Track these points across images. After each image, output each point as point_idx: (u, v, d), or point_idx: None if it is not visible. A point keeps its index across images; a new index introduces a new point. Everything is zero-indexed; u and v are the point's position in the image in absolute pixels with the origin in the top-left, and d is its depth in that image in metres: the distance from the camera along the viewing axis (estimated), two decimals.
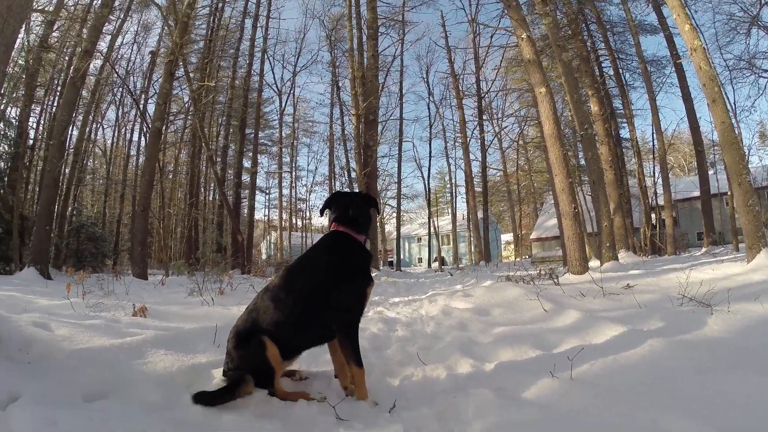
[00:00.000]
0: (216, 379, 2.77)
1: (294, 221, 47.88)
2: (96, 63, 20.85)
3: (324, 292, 2.74)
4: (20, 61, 17.34)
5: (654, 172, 26.09)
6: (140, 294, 8.17)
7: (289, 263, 3.33)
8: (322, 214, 3.22)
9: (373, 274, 3.01)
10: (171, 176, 32.48)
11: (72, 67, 15.32)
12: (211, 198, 35.98)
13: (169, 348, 3.24)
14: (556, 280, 7.89)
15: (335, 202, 3.08)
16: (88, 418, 1.96)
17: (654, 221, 24.73)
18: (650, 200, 24.86)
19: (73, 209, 23.15)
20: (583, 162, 27.66)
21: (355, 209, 3.00)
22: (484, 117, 33.21)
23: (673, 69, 21.79)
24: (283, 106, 32.61)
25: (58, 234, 18.58)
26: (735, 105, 20.10)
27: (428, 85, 36.22)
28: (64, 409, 2.00)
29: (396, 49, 28.67)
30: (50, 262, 13.87)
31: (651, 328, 3.80)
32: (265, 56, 29.60)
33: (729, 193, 18.61)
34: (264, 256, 45.47)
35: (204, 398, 2.33)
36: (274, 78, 38.47)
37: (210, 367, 2.99)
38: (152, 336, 3.46)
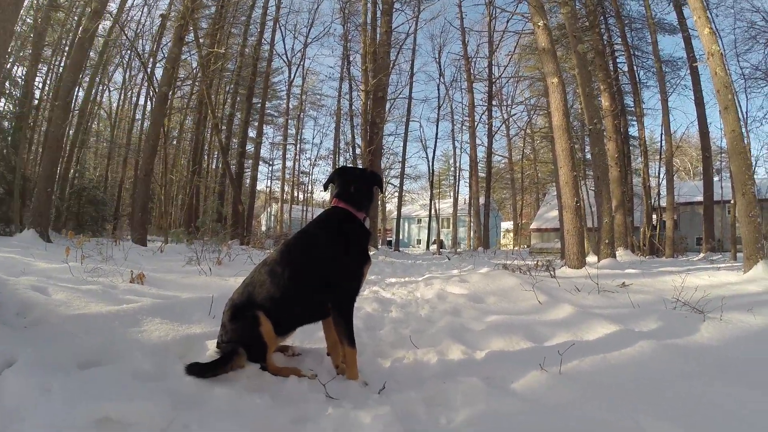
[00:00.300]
0: (210, 350, 2.79)
1: (296, 194, 47.98)
2: (105, 24, 20.68)
3: (320, 270, 2.75)
4: (28, 20, 17.17)
5: (659, 173, 26.11)
6: (138, 260, 8.19)
7: (288, 236, 3.32)
8: (325, 189, 3.19)
9: (371, 253, 3.02)
10: (175, 142, 32.39)
11: (81, 28, 15.15)
12: (214, 166, 35.98)
13: (165, 317, 3.27)
14: (552, 273, 7.91)
15: (339, 178, 3.05)
16: (81, 385, 1.97)
17: (655, 222, 24.76)
18: (653, 201, 24.90)
19: (75, 171, 23.04)
20: (589, 156, 27.64)
21: (357, 186, 2.98)
22: (494, 103, 33.17)
23: (689, 71, 21.81)
24: (292, 77, 32.35)
25: (59, 196, 18.55)
26: (747, 114, 20.14)
27: (440, 66, 35.84)
28: (58, 375, 2.03)
29: (410, 27, 28.34)
30: (50, 224, 13.89)
31: (643, 330, 3.83)
32: (277, 25, 29.32)
33: (732, 201, 18.63)
34: (264, 228, 45.65)
35: (196, 370, 2.35)
36: (284, 48, 38.50)
37: (204, 338, 3.01)
38: (148, 304, 3.48)
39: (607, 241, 11.53)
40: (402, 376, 2.82)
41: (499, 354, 3.18)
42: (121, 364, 2.37)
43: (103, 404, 1.80)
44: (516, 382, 2.61)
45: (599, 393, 2.41)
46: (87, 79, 22.81)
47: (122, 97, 33.82)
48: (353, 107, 28.70)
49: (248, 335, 2.59)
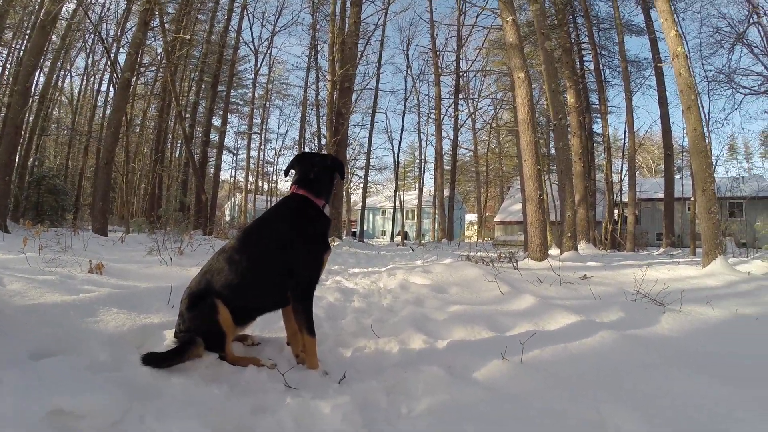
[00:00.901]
0: (167, 340, 2.72)
1: (260, 184, 47.41)
2: (68, 6, 20.02)
3: (278, 257, 2.70)
4: None
5: (621, 170, 26.76)
6: (98, 250, 8.00)
7: None
8: (286, 175, 3.10)
9: (335, 244, 2.97)
10: (138, 130, 31.58)
11: (43, 10, 14.57)
12: (177, 155, 35.25)
13: (122, 307, 3.19)
14: (515, 264, 8.01)
15: (298, 164, 3.00)
16: (33, 376, 1.90)
17: (616, 217, 25.36)
18: (615, 196, 25.50)
19: (34, 160, 22.36)
20: (553, 151, 28.23)
21: (317, 172, 2.92)
22: (460, 96, 33.43)
23: (653, 72, 22.34)
24: (259, 65, 31.78)
25: (17, 185, 18.01)
26: (709, 115, 20.67)
27: (407, 58, 36.27)
28: (9, 367, 1.95)
29: (379, 18, 28.01)
30: (8, 214, 13.43)
31: (604, 321, 3.89)
32: (245, 13, 28.84)
33: (692, 198, 19.27)
34: (228, 218, 45.06)
35: (153, 360, 2.27)
36: (251, 36, 37.81)
37: (162, 327, 2.95)
38: (106, 294, 3.40)
39: (569, 234, 11.74)
40: (363, 366, 2.81)
41: (461, 343, 3.19)
42: (75, 355, 2.30)
43: (55, 396, 1.74)
44: (478, 371, 2.62)
45: (560, 382, 2.43)
46: (48, 63, 22.10)
47: (84, 83, 32.74)
48: (320, 97, 28.44)
49: (206, 324, 2.53)
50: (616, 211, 25.54)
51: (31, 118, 20.42)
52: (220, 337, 2.55)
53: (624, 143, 25.33)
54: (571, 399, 2.23)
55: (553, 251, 11.53)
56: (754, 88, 20.98)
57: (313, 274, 2.79)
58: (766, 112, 32.67)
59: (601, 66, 25.90)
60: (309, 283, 2.77)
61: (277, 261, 2.70)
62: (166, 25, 20.62)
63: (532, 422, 2.03)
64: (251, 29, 37.13)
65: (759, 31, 19.78)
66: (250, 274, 2.65)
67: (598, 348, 2.97)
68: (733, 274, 7.10)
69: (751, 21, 19.29)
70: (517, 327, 3.68)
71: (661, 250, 19.73)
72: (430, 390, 2.32)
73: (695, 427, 1.98)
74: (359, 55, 23.85)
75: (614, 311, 4.26)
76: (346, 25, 21.55)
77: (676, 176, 25.78)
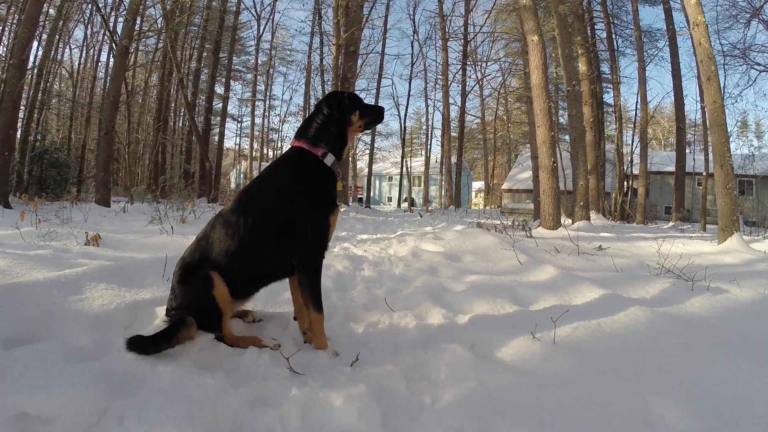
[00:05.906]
0: (158, 318, 2.46)
1: (265, 151, 47.02)
2: None
3: (277, 219, 2.35)
4: None
5: (632, 141, 26.34)
6: (99, 222, 7.87)
7: None
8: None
9: (342, 209, 2.60)
10: (140, 100, 31.23)
11: None
12: (180, 124, 35.02)
13: (112, 281, 2.97)
14: (528, 233, 7.79)
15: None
16: (1, 369, 1.67)
17: (626, 189, 25.03)
18: (625, 167, 25.14)
19: (36, 134, 22.12)
20: (561, 120, 27.85)
21: (311, 117, 2.56)
22: (468, 62, 32.80)
23: (667, 43, 21.76)
24: (261, 31, 30.82)
25: (20, 161, 17.90)
26: (723, 90, 20.15)
27: (414, 23, 35.43)
28: None
29: None
30: (11, 190, 13.24)
31: (632, 296, 3.66)
32: None
33: (704, 173, 18.94)
34: (233, 186, 44.95)
35: (138, 345, 1.97)
36: (253, 1, 36.62)
37: (154, 303, 2.73)
38: (95, 268, 3.14)
39: (582, 204, 11.44)
40: (377, 344, 2.54)
41: (483, 318, 2.92)
42: (52, 341, 2.05)
43: (21, 397, 1.49)
44: (505, 351, 2.37)
45: (600, 366, 2.18)
46: (45, 36, 21.77)
47: (83, 55, 32.30)
48: (324, 62, 27.95)
49: (199, 299, 2.24)
50: (625, 183, 25.23)
51: (30, 92, 20.15)
52: (215, 315, 2.27)
53: (636, 114, 24.90)
54: (612, 384, 2.00)
55: (565, 221, 11.28)
56: None
57: (315, 238, 2.42)
58: None
59: (613, 35, 25.51)
60: (313, 249, 2.41)
61: (276, 224, 2.36)
62: None
63: (573, 412, 1.78)
64: None
65: None
66: (248, 239, 2.33)
67: (633, 326, 2.73)
68: (749, 253, 6.86)
69: None
70: (541, 300, 3.45)
71: (671, 223, 19.52)
72: (454, 375, 2.06)
73: (748, 421, 1.77)
74: (365, 19, 23.32)
75: (640, 286, 4.06)
76: None
77: (687, 150, 25.37)
